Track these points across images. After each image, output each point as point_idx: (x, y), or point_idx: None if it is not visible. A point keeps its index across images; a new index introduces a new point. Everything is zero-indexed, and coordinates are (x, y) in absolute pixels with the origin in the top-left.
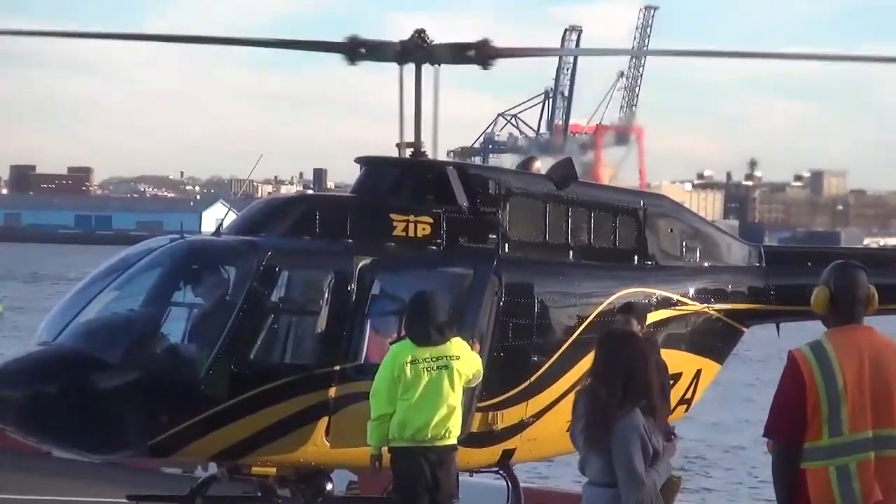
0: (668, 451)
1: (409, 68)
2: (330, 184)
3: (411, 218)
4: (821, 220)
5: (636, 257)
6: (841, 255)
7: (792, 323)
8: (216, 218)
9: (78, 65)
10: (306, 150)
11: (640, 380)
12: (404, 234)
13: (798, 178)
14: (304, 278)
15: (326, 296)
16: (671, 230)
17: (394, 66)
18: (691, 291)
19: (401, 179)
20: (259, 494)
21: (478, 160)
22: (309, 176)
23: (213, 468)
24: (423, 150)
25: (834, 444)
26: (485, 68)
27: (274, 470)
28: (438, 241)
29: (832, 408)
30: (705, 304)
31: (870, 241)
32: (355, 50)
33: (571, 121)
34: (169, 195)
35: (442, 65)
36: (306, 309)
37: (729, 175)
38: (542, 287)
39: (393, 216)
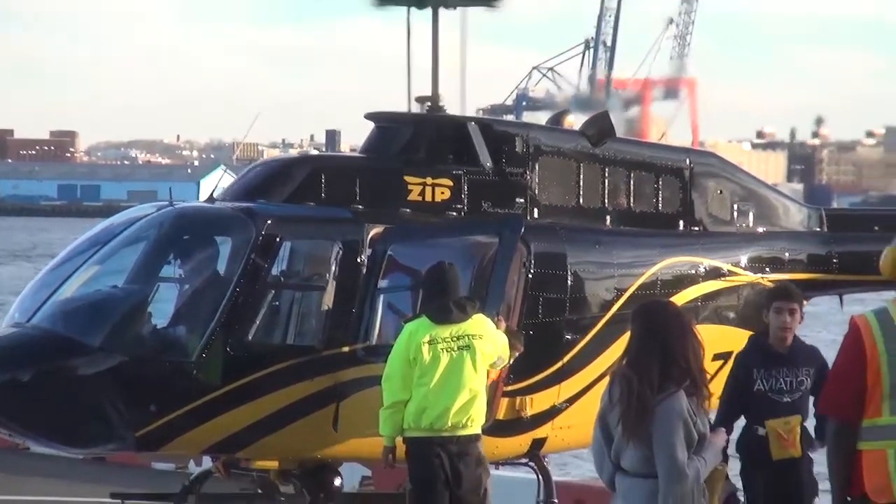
0: (716, 436)
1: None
2: (345, 146)
3: (428, 180)
4: None
5: (681, 222)
6: None
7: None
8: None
9: (58, 16)
10: (319, 109)
11: (680, 357)
12: (420, 198)
13: (870, 134)
14: (307, 249)
15: (333, 269)
16: (721, 192)
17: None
18: (744, 260)
19: (416, 137)
20: (259, 491)
21: (511, 118)
22: (321, 138)
23: (207, 462)
24: (441, 104)
25: (894, 424)
26: (492, 5)
27: (276, 464)
28: (459, 206)
29: (895, 382)
30: (759, 275)
31: None
32: None
33: (615, 74)
34: (163, 161)
35: (457, 7)
36: (311, 284)
37: (793, 133)
38: (575, 257)
39: (407, 179)
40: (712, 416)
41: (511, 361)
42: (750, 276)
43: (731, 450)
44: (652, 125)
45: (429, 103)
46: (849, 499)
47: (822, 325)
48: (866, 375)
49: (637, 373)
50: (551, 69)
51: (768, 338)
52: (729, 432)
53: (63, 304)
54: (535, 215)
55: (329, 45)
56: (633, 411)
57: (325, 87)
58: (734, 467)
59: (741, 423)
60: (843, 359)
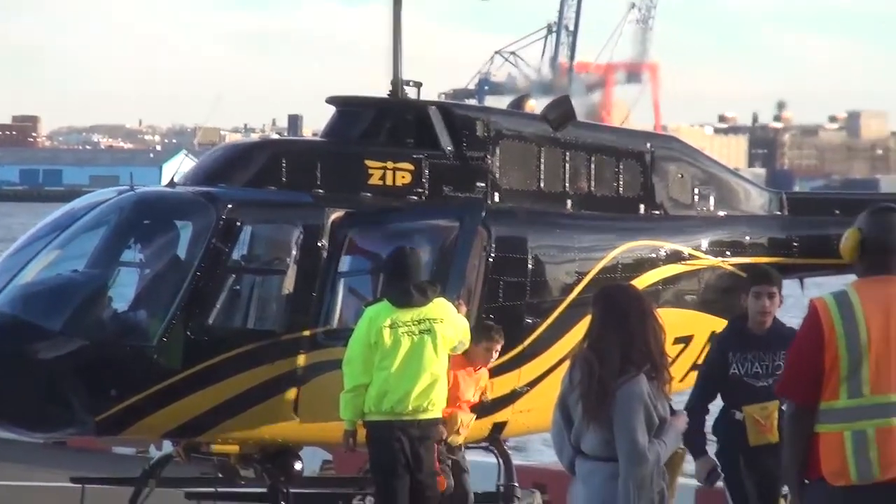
0: (677, 420)
1: None
2: (307, 131)
3: (389, 165)
4: (858, 166)
5: (642, 206)
6: (876, 202)
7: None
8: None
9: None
10: (281, 94)
11: (640, 341)
12: (381, 182)
13: (832, 119)
14: (268, 234)
15: (294, 253)
16: (681, 176)
17: None
18: (704, 244)
19: (377, 121)
20: (219, 475)
21: (473, 103)
22: (283, 123)
23: (168, 447)
24: (407, 86)
25: (851, 407)
26: None
27: (236, 448)
28: (420, 190)
29: (852, 365)
30: (720, 258)
31: None
32: None
33: (577, 58)
34: (126, 146)
35: None
36: (272, 268)
37: (755, 117)
38: (536, 241)
39: (368, 163)
40: (676, 400)
41: (496, 356)
42: (710, 260)
43: (708, 431)
44: (614, 109)
45: (414, 87)
46: (806, 482)
47: (784, 310)
48: (824, 358)
49: (598, 356)
50: (513, 53)
51: (747, 321)
52: (704, 413)
53: (23, 288)
54: (496, 199)
55: (291, 29)
56: (594, 394)
57: (287, 71)
58: (711, 448)
59: (718, 404)
60: (802, 341)
